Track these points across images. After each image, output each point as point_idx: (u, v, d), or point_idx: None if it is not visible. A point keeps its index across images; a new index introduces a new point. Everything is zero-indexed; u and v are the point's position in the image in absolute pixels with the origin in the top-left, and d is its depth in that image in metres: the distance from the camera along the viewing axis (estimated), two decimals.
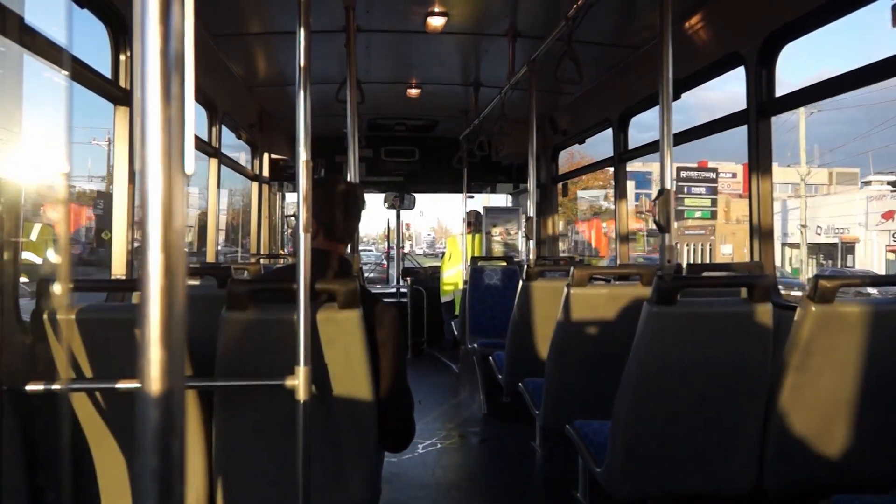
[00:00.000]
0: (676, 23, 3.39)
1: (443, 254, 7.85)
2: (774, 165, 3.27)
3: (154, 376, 0.61)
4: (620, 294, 3.03)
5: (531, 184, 4.10)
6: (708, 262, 30.98)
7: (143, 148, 0.62)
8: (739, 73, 3.25)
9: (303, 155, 1.83)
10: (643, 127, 5.67)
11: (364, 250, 20.57)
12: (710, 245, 35.81)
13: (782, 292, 3.41)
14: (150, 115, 0.62)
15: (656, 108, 2.38)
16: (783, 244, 33.12)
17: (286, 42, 4.17)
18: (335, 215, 2.10)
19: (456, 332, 6.30)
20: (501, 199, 9.23)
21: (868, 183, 35.36)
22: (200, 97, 4.26)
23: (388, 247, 10.48)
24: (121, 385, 1.76)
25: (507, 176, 7.79)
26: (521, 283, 3.82)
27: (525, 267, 3.84)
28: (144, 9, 0.61)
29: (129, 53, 2.82)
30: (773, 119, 3.19)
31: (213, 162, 4.61)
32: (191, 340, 1.66)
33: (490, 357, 4.51)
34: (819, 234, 31.72)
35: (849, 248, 30.68)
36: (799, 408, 2.16)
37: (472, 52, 4.69)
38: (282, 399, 1.75)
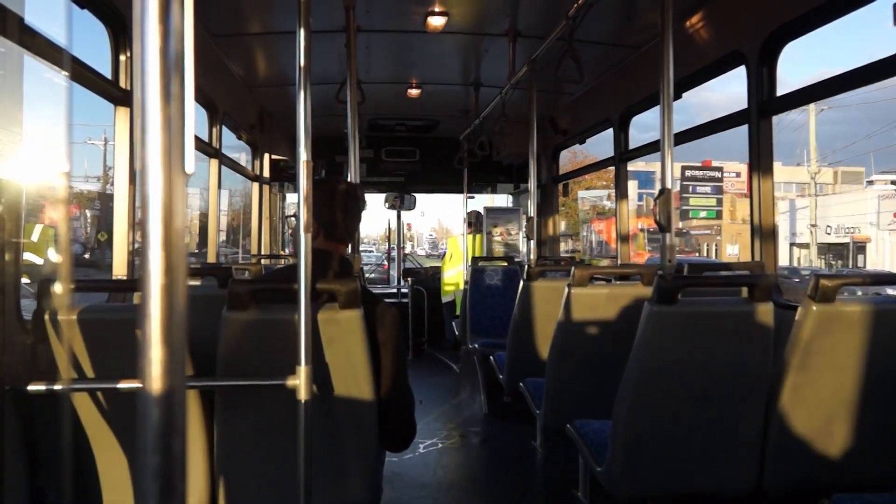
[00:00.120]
0: (677, 22, 3.39)
1: (444, 254, 7.85)
2: (780, 165, 3.28)
3: (155, 376, 0.61)
4: (621, 294, 3.04)
5: (532, 184, 4.10)
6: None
7: (144, 148, 0.62)
8: (740, 72, 3.25)
9: (303, 155, 1.83)
10: (644, 127, 5.67)
11: (365, 251, 20.56)
12: (717, 245, 35.67)
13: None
14: (150, 116, 0.62)
15: (657, 108, 2.38)
16: (792, 244, 32.87)
17: (286, 42, 4.17)
18: (336, 216, 2.10)
19: (457, 333, 6.30)
20: (502, 200, 9.23)
21: (871, 182, 35.27)
22: (200, 97, 4.26)
23: (389, 247, 10.48)
24: (122, 385, 1.76)
25: (508, 176, 7.78)
26: (521, 283, 3.83)
27: (526, 267, 3.84)
28: (144, 9, 0.61)
29: (129, 53, 2.82)
30: (778, 118, 3.18)
31: (214, 162, 4.61)
32: (192, 340, 1.65)
33: (491, 357, 4.52)
34: (829, 234, 31.42)
35: (860, 247, 30.38)
36: (799, 407, 2.16)
37: (473, 52, 4.69)
38: (283, 399, 1.75)
